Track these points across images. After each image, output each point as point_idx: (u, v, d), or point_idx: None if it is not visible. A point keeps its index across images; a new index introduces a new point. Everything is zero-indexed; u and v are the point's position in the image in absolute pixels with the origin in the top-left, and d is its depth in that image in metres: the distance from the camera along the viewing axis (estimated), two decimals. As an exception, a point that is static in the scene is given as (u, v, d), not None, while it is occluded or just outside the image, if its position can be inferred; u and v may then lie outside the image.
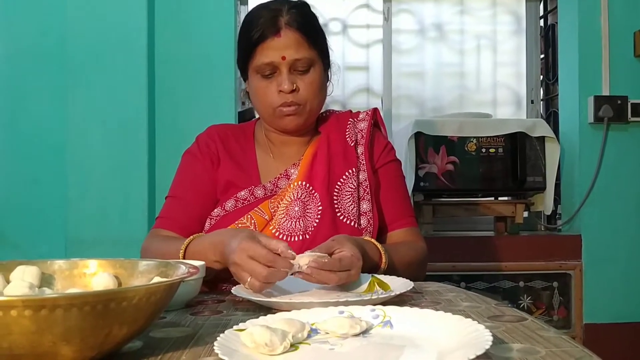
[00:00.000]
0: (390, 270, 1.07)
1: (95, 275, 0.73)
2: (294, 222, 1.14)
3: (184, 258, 1.02)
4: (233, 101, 2.21)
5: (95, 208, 2.07)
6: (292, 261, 0.87)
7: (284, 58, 1.12)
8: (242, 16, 2.55)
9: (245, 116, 2.28)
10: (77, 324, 0.53)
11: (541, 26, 2.75)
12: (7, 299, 0.52)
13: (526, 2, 2.74)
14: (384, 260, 1.06)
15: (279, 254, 0.87)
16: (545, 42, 2.71)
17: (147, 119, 2.12)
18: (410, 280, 0.97)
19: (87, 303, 0.53)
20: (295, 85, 1.14)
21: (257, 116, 1.31)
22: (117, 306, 0.55)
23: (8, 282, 0.68)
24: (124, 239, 2.06)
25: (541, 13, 2.75)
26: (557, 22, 2.55)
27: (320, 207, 1.15)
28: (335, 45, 2.69)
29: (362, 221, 1.18)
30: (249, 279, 0.87)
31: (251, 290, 0.88)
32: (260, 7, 1.17)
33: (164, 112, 2.18)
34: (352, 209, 1.17)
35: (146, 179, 2.10)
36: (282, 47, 1.12)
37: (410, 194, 2.18)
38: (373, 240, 1.09)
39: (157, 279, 0.70)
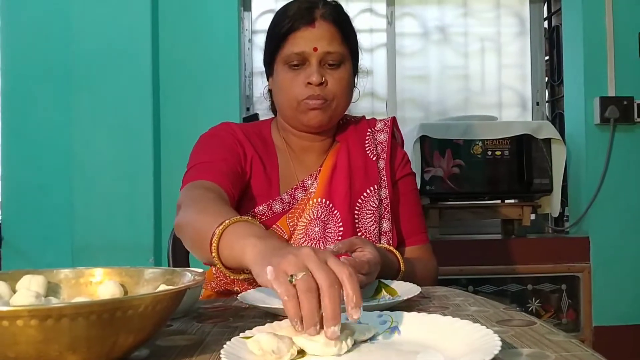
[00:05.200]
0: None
1: (101, 284, 0.73)
2: (313, 244, 1.09)
3: (218, 241, 0.78)
4: (238, 107, 2.22)
5: (102, 214, 2.07)
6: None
7: (315, 49, 1.08)
8: (246, 22, 2.55)
9: (249, 122, 2.28)
10: (84, 333, 0.53)
11: (545, 28, 2.74)
12: (13, 308, 0.53)
13: (530, 3, 2.73)
14: (402, 270, 1.05)
15: None
16: (550, 44, 2.70)
17: (152, 125, 2.12)
18: None
19: (93, 312, 0.53)
20: (324, 78, 1.09)
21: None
22: (123, 315, 0.55)
23: (14, 291, 0.68)
24: (131, 245, 2.06)
25: (545, 14, 2.75)
26: (561, 24, 2.54)
27: (341, 228, 1.11)
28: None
29: (382, 240, 1.15)
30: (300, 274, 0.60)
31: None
32: (295, 1, 1.13)
33: (168, 118, 2.19)
34: (373, 229, 1.14)
35: (152, 184, 2.10)
36: (315, 38, 1.08)
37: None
38: (394, 250, 1.07)
39: (163, 287, 0.70)
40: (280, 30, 1.10)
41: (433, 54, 2.72)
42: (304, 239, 1.10)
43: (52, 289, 0.73)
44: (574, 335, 0.71)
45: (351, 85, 1.16)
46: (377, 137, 1.22)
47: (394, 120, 1.25)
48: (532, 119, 2.69)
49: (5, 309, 0.52)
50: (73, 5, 2.11)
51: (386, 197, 1.17)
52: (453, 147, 2.23)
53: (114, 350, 0.57)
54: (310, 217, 1.11)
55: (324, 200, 1.12)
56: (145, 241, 2.08)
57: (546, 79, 2.73)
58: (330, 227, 1.11)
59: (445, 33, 2.73)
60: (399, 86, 2.68)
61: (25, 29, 2.19)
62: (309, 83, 1.08)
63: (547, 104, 2.74)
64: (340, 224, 1.11)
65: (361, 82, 1.24)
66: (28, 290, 0.67)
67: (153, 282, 0.73)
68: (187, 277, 0.70)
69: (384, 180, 1.18)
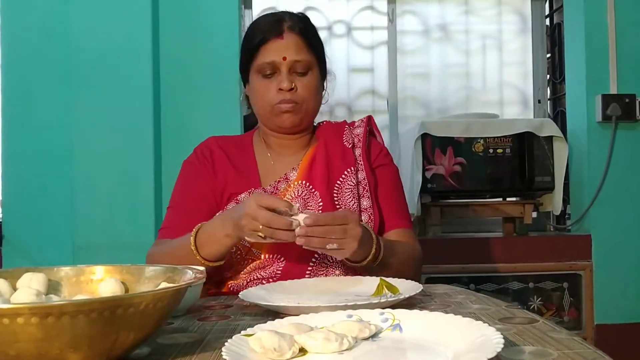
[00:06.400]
0: (384, 265, 1.08)
1: (102, 282, 0.73)
2: None
3: (195, 244, 1.05)
4: (238, 105, 2.21)
5: (103, 213, 2.07)
6: (294, 208, 0.94)
7: (284, 58, 1.19)
8: (247, 20, 2.55)
9: (250, 120, 2.28)
10: (84, 330, 0.53)
11: (547, 25, 2.74)
12: (14, 306, 0.52)
13: (531, 1, 2.72)
14: (374, 249, 1.05)
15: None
16: (552, 41, 2.70)
17: (153, 123, 2.12)
18: (406, 279, 0.99)
19: (94, 310, 0.53)
20: (293, 84, 1.20)
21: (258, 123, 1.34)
22: (124, 312, 0.55)
23: (15, 289, 0.68)
24: (132, 244, 2.06)
25: (547, 12, 2.74)
26: (563, 21, 2.54)
27: (321, 204, 1.18)
28: (340, 47, 2.68)
29: (363, 217, 1.20)
30: (260, 227, 0.93)
31: (266, 237, 0.95)
32: (265, 15, 1.27)
33: (169, 116, 2.18)
34: (353, 204, 1.20)
35: (152, 183, 2.10)
36: (284, 48, 1.19)
37: (417, 196, 2.19)
38: (370, 229, 1.09)
39: (164, 285, 0.70)
40: (253, 43, 1.22)
41: (434, 52, 2.71)
42: None
43: (52, 287, 0.72)
44: (575, 334, 0.71)
45: (319, 89, 1.27)
46: (353, 131, 1.31)
47: (369, 118, 1.34)
48: (534, 117, 2.68)
49: (5, 306, 0.52)
50: (73, 4, 2.11)
51: (364, 179, 1.24)
52: (454, 145, 2.22)
53: (115, 348, 0.57)
54: (292, 196, 1.20)
55: (304, 182, 1.21)
56: (146, 239, 2.07)
57: (548, 76, 2.73)
58: (310, 204, 1.19)
59: (446, 31, 2.72)
60: (400, 84, 2.67)
61: (26, 27, 2.18)
62: (280, 89, 1.19)
63: (548, 101, 2.73)
64: (320, 200, 1.19)
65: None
66: (29, 288, 0.67)
67: (154, 279, 0.73)
68: (188, 274, 0.69)
69: (361, 164, 1.25)
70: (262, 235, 0.95)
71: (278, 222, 0.93)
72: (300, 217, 0.93)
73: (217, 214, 1.20)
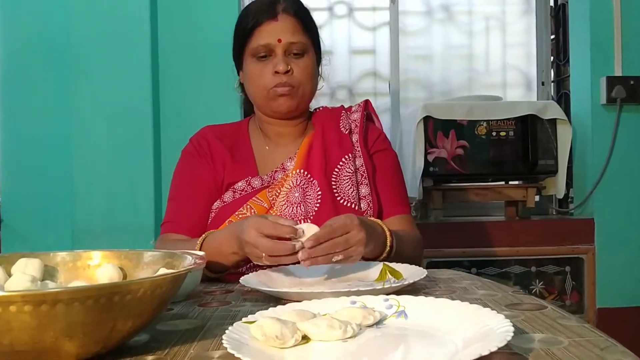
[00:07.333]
0: (398, 257, 1.05)
1: (99, 267, 0.71)
2: (295, 208, 1.16)
3: None
4: (237, 94, 2.18)
5: (102, 198, 2.06)
6: (297, 227, 0.89)
7: (280, 40, 1.16)
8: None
9: (249, 105, 2.25)
10: (80, 318, 0.51)
11: (551, 6, 2.69)
12: (6, 294, 0.51)
13: (536, -19, 2.68)
14: (389, 242, 1.04)
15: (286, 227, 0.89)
16: (556, 23, 2.66)
17: (152, 109, 2.10)
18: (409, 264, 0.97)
19: (90, 297, 0.51)
20: (289, 67, 1.17)
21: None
22: (121, 300, 0.53)
23: (10, 275, 0.67)
24: (131, 229, 2.05)
25: (551, -8, 2.69)
26: (567, 2, 2.49)
27: (319, 192, 1.17)
28: (341, 28, 2.64)
29: (362, 204, 1.19)
30: (263, 255, 0.89)
31: (267, 263, 0.90)
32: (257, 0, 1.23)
33: (168, 102, 2.16)
34: (351, 192, 1.19)
35: (152, 168, 2.08)
36: (279, 30, 1.16)
37: (419, 179, 2.17)
38: (380, 222, 1.07)
39: (163, 271, 0.68)
40: (247, 26, 1.18)
41: (437, 33, 2.67)
42: (285, 204, 1.16)
43: (48, 273, 0.71)
44: (578, 317, 0.69)
45: (315, 72, 1.24)
46: (350, 117, 1.28)
47: (367, 102, 1.31)
48: (537, 99, 2.65)
49: (-3, 294, 0.50)
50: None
51: (362, 165, 1.22)
52: (457, 127, 2.20)
53: (112, 336, 0.55)
54: (290, 185, 1.18)
55: (302, 170, 1.19)
56: (146, 224, 2.06)
57: (552, 58, 2.69)
58: (309, 193, 1.17)
59: (449, 11, 2.68)
60: (402, 66, 2.63)
61: (24, 15, 2.15)
62: (276, 72, 1.16)
63: (552, 83, 2.70)
64: (318, 189, 1.17)
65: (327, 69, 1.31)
66: (23, 274, 0.65)
67: (153, 265, 0.71)
68: (188, 260, 0.68)
69: (358, 150, 1.23)
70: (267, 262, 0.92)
71: (280, 249, 0.87)
72: (304, 239, 0.88)
73: (215, 203, 1.20)
